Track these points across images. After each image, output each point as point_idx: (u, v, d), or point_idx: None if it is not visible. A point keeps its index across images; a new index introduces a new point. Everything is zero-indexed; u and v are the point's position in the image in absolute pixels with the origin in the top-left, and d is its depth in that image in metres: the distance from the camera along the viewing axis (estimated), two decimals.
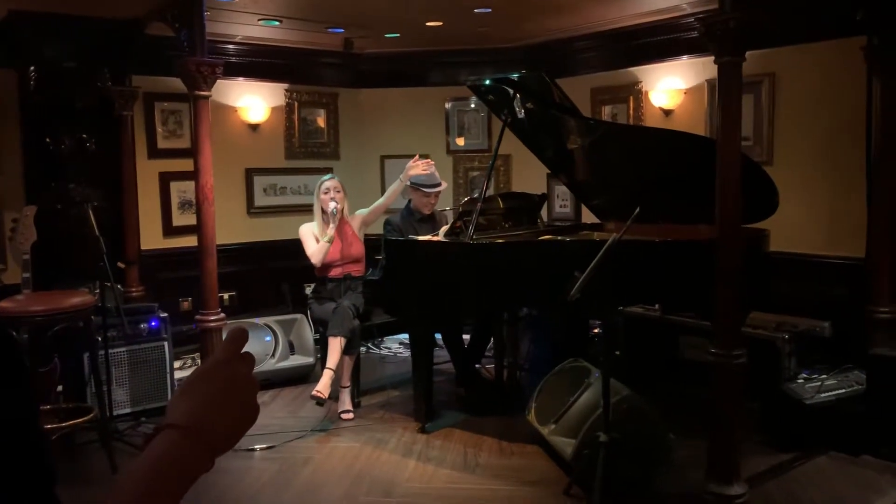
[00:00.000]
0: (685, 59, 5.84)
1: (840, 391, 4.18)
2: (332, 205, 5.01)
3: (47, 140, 5.42)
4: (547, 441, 4.00)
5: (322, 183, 5.17)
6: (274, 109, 6.83)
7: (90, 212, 4.24)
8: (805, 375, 4.34)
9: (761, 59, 4.93)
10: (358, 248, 5.21)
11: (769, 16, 4.40)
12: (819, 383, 4.20)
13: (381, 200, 5.21)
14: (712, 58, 3.39)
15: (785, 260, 4.86)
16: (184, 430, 0.77)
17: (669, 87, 5.93)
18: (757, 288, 3.95)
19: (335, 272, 5.11)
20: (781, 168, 5.05)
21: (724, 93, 3.33)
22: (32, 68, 5.34)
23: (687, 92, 5.88)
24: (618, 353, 5.31)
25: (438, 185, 5.17)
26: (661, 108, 5.99)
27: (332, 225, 5.00)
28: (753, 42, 3.44)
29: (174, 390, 4.88)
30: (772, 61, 5.15)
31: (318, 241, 5.09)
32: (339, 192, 5.11)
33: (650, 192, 4.04)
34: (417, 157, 5.03)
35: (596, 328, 5.58)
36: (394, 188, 5.10)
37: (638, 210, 3.30)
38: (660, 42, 5.94)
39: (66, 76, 5.45)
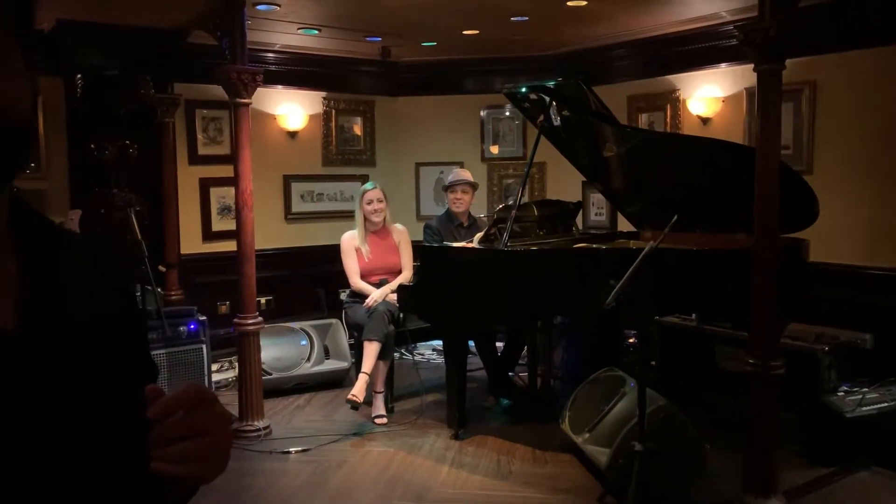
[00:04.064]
0: (724, 67, 5.78)
1: (882, 405, 4.09)
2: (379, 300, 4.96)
3: (92, 146, 5.55)
4: (581, 449, 3.98)
5: (365, 192, 5.18)
6: (312, 117, 6.91)
7: (132, 216, 4.33)
8: (846, 388, 4.25)
9: (802, 67, 4.87)
10: (396, 259, 5.24)
11: (809, 23, 4.36)
12: (860, 396, 4.12)
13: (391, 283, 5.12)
14: (751, 66, 3.36)
15: (825, 270, 4.78)
16: None
17: (707, 95, 5.88)
18: (796, 298, 3.90)
19: (372, 279, 5.15)
20: (822, 177, 4.97)
21: (764, 101, 3.30)
22: (78, 76, 5.48)
23: (725, 100, 5.82)
24: (653, 362, 5.27)
25: (461, 180, 5.26)
26: (699, 116, 5.94)
27: (374, 296, 4.99)
28: (793, 50, 3.41)
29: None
30: (813, 69, 5.08)
31: (358, 252, 5.13)
32: (381, 201, 5.14)
33: (687, 200, 4.01)
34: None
35: (631, 337, 5.54)
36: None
37: (675, 218, 3.28)
38: (698, 50, 5.90)
39: (110, 84, 5.58)
